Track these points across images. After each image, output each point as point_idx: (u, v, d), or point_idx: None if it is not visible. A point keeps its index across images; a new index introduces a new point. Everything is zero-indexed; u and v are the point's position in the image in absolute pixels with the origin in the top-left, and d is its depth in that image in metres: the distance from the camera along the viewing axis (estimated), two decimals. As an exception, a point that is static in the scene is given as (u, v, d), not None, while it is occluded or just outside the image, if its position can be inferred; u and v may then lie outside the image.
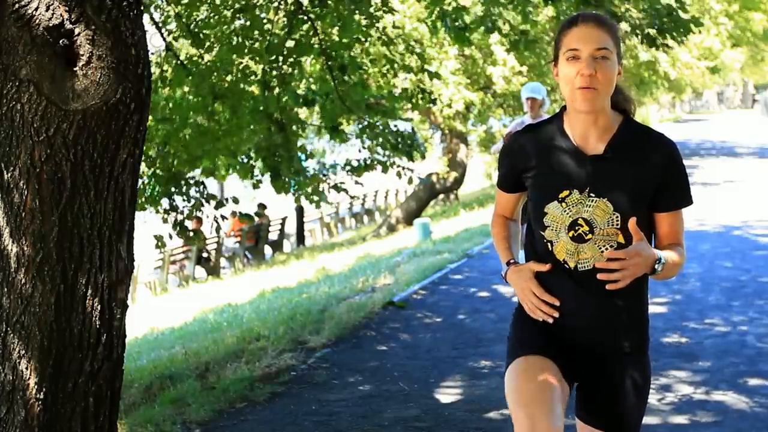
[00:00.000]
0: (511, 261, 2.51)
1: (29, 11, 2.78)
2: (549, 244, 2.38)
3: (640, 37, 7.60)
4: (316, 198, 8.47)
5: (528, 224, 2.51)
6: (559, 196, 2.36)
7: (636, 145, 2.35)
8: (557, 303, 2.38)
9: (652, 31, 7.48)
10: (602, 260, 2.31)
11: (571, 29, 2.31)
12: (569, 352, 2.42)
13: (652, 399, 4.91)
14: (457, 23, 7.58)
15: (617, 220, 2.32)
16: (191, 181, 7.95)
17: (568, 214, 2.35)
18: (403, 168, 9.13)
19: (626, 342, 2.41)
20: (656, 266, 2.26)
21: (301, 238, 22.52)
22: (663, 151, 2.35)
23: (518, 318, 2.51)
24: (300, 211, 22.13)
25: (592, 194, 2.33)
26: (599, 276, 2.21)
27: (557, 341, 2.42)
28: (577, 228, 2.34)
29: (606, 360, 2.41)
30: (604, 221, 2.32)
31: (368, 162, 8.84)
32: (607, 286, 2.22)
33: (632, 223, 2.22)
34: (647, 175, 2.33)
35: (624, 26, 7.72)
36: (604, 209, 2.32)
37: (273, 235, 21.67)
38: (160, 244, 8.21)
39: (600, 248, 2.33)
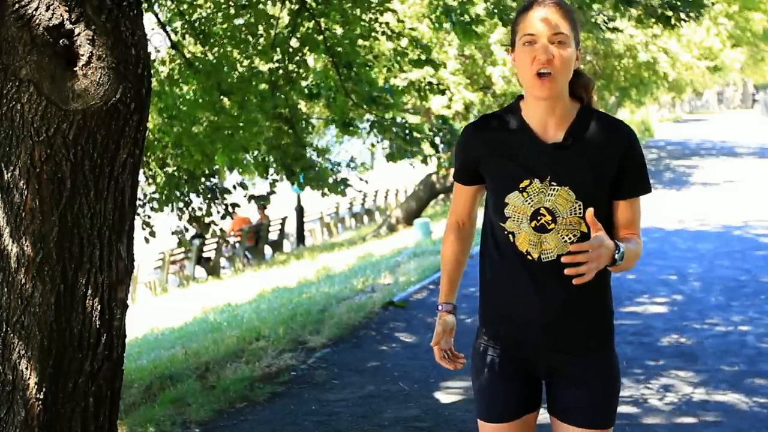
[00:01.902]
0: (442, 306, 2.53)
1: (29, 11, 2.78)
2: (510, 235, 2.35)
3: (654, 17, 7.54)
4: (336, 188, 8.45)
5: (485, 219, 2.47)
6: (520, 186, 2.32)
7: (595, 132, 2.33)
8: (460, 363, 2.49)
9: (667, 11, 7.41)
10: (565, 251, 2.27)
11: (527, 14, 2.28)
12: (532, 359, 2.41)
13: (653, 399, 4.92)
14: (462, 18, 7.51)
15: (579, 209, 2.29)
16: (201, 177, 7.98)
17: (529, 204, 2.31)
18: (430, 156, 9.10)
19: (591, 335, 2.39)
20: (616, 256, 2.22)
21: (301, 238, 22.48)
22: (622, 138, 2.33)
23: (478, 339, 2.51)
24: (300, 211, 22.11)
25: (553, 183, 2.30)
26: (566, 271, 2.16)
27: (518, 361, 2.43)
28: (539, 218, 2.31)
29: (571, 354, 2.38)
30: (567, 210, 2.30)
31: (396, 151, 8.77)
32: (574, 281, 2.16)
33: (590, 214, 2.18)
34: (607, 161, 2.31)
35: (635, 12, 7.66)
36: (566, 197, 2.30)
37: (273, 235, 21.65)
38: (182, 241, 8.25)
39: (563, 238, 2.30)
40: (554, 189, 2.30)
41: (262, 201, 8.34)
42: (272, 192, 8.30)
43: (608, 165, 2.31)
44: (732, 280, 8.27)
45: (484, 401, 2.47)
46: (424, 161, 9.22)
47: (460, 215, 2.57)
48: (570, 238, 2.30)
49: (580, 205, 2.29)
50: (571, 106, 2.35)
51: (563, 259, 2.16)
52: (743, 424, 4.49)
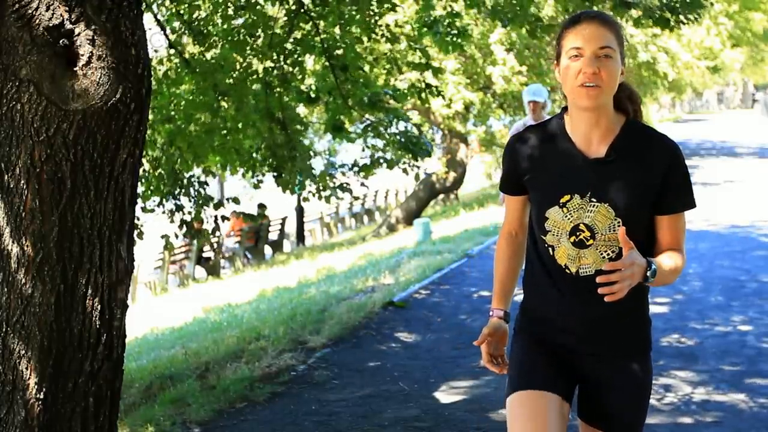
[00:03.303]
0: (493, 311, 2.53)
1: (29, 11, 2.78)
2: (550, 248, 2.36)
3: (653, 20, 7.54)
4: (325, 193, 8.43)
5: (530, 227, 2.49)
6: (560, 201, 2.33)
7: (638, 147, 2.32)
8: (502, 371, 2.45)
9: (666, 14, 7.41)
10: (603, 266, 2.28)
11: (573, 28, 2.29)
12: (569, 358, 2.42)
13: (653, 399, 4.91)
14: (450, 30, 7.50)
15: (619, 225, 2.28)
16: (194, 180, 7.96)
17: (569, 219, 2.32)
18: (410, 165, 9.08)
19: (627, 346, 2.40)
20: (648, 273, 2.21)
21: (301, 238, 22.49)
22: (666, 153, 2.31)
23: (518, 333, 2.52)
24: (300, 211, 22.11)
25: (593, 199, 2.30)
26: (600, 291, 2.16)
27: (556, 355, 2.42)
28: (578, 233, 2.31)
29: (607, 363, 2.40)
30: (606, 227, 2.30)
31: (374, 160, 8.77)
32: (606, 299, 2.16)
33: (621, 232, 2.18)
34: (649, 177, 2.30)
35: (634, 13, 7.66)
36: (605, 214, 2.29)
37: (273, 235, 21.66)
38: (168, 245, 8.22)
39: (601, 254, 2.30)
40: (594, 205, 2.30)
41: (251, 219, 8.34)
42: (261, 212, 8.31)
43: (651, 181, 2.30)
44: (732, 280, 8.27)
45: (520, 372, 2.42)
46: (405, 171, 9.18)
47: (512, 224, 2.57)
48: (608, 254, 2.30)
49: (619, 222, 2.29)
50: (616, 119, 2.35)
51: (598, 279, 2.16)
52: (743, 424, 4.50)
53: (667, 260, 2.30)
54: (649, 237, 2.36)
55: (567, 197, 2.32)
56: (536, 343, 2.45)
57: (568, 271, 2.34)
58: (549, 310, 2.41)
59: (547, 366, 2.41)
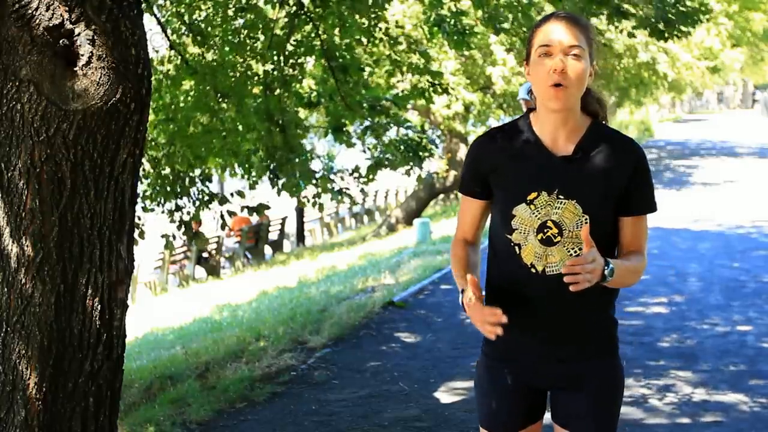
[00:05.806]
0: (464, 289, 2.41)
1: (29, 11, 2.78)
2: (516, 247, 2.34)
3: (649, 30, 7.58)
4: (321, 200, 8.41)
5: (490, 232, 2.45)
6: (528, 198, 2.32)
7: (605, 148, 2.34)
8: (503, 320, 2.28)
9: (661, 25, 7.45)
10: (567, 261, 2.27)
11: (543, 26, 2.30)
12: (535, 374, 2.41)
13: (653, 399, 4.92)
14: (456, 28, 7.53)
15: (586, 222, 2.29)
16: (195, 180, 7.94)
17: (536, 216, 2.31)
18: (412, 167, 9.05)
19: (595, 346, 2.40)
20: (605, 272, 2.21)
21: (301, 238, 22.51)
22: (631, 155, 2.34)
23: (479, 364, 2.52)
24: (300, 211, 22.12)
25: (561, 196, 2.30)
26: (566, 279, 2.16)
27: (520, 383, 2.43)
28: (545, 230, 2.31)
29: (575, 365, 2.39)
30: (573, 223, 2.30)
31: (378, 161, 8.73)
32: (571, 288, 2.15)
33: (585, 231, 2.18)
34: (615, 177, 2.32)
35: (628, 24, 7.68)
36: (573, 211, 2.30)
37: (273, 235, 21.66)
38: (168, 244, 8.20)
39: (569, 251, 2.30)
40: (561, 202, 2.31)
41: (256, 212, 8.32)
42: (266, 207, 8.26)
43: (616, 181, 2.32)
44: (732, 280, 8.27)
45: (486, 412, 2.49)
46: (408, 173, 9.15)
47: (466, 232, 2.51)
48: (576, 251, 2.30)
49: (586, 219, 2.29)
50: (582, 120, 2.36)
51: (564, 270, 2.15)
52: (743, 424, 4.50)
53: (627, 262, 2.32)
54: (612, 237, 2.37)
55: (534, 194, 2.32)
56: (501, 366, 2.45)
57: (533, 270, 2.33)
58: (512, 314, 2.32)
59: (510, 399, 2.45)
